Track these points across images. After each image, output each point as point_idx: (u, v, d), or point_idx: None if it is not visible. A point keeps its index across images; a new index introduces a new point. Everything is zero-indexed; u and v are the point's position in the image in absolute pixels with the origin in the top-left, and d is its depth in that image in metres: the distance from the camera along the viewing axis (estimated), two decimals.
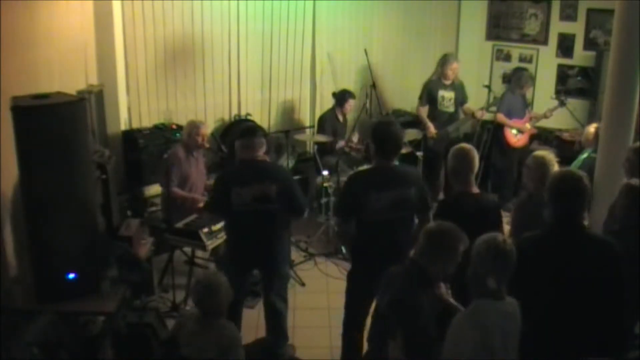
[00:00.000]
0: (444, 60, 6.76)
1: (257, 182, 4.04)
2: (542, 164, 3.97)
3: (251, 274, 4.56)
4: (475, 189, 3.83)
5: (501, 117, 6.83)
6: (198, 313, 3.29)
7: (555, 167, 3.98)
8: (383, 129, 3.82)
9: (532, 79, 7.02)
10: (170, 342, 3.43)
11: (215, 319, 3.24)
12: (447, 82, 6.78)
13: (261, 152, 4.19)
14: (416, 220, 3.97)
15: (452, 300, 3.13)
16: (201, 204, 4.98)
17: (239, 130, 6.53)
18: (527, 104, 7.04)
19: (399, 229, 3.81)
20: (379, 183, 3.74)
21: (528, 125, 6.92)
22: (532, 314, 2.79)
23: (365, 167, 5.04)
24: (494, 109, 7.08)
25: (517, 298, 2.77)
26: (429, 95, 6.82)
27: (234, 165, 4.46)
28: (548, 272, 2.90)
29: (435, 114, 6.83)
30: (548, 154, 4.06)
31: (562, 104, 6.70)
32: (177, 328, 3.43)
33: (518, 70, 7.47)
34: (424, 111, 6.87)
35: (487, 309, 2.69)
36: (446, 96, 6.80)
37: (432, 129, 6.78)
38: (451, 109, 6.86)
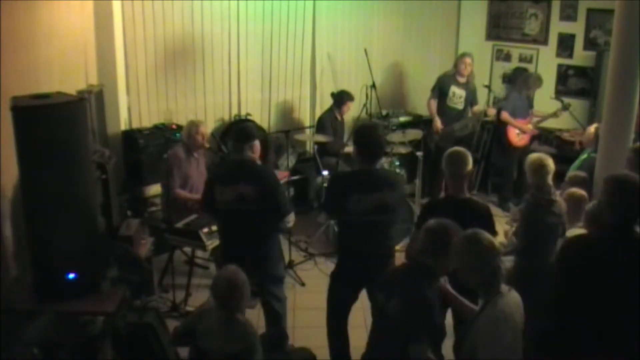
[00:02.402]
0: (458, 57, 6.92)
1: (236, 182, 4.02)
2: (533, 169, 3.99)
3: (250, 275, 4.52)
4: (465, 195, 3.75)
5: (506, 116, 6.82)
6: (219, 310, 3.28)
7: (549, 167, 3.99)
8: (365, 133, 3.84)
9: (541, 80, 6.96)
10: (187, 333, 3.44)
11: (235, 314, 3.25)
12: (461, 80, 6.84)
13: (251, 153, 4.13)
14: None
15: (450, 288, 3.19)
16: None
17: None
18: (531, 105, 7.03)
19: (381, 232, 3.83)
20: (360, 186, 3.75)
21: (530, 126, 6.91)
22: (574, 316, 2.78)
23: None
24: (492, 110, 7.09)
25: (560, 299, 2.77)
26: (440, 88, 6.90)
27: (222, 164, 4.46)
28: (597, 275, 2.86)
29: (443, 108, 6.88)
30: (538, 157, 4.07)
31: (565, 108, 6.69)
32: (197, 319, 3.43)
33: (526, 72, 7.49)
34: (434, 104, 6.93)
35: (510, 304, 2.73)
36: (457, 92, 6.85)
37: (438, 123, 6.81)
38: (460, 107, 6.89)
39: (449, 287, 3.20)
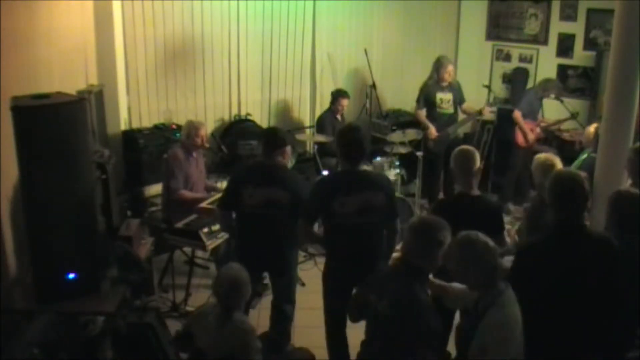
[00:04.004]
0: (439, 64, 6.71)
1: (268, 186, 4.03)
2: (541, 169, 3.99)
3: (260, 276, 4.52)
4: (476, 192, 3.84)
5: (518, 115, 6.78)
6: (218, 307, 3.30)
7: (556, 168, 4.00)
8: (345, 135, 3.86)
9: (560, 89, 6.88)
10: (185, 335, 3.44)
11: (233, 312, 3.27)
12: (444, 84, 6.75)
13: (282, 158, 4.16)
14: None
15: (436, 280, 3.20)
16: (205, 204, 4.98)
17: (239, 130, 6.62)
18: (540, 108, 7.00)
19: (368, 234, 3.81)
20: (344, 187, 3.75)
21: (538, 129, 6.89)
22: (535, 316, 2.79)
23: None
24: (493, 109, 7.07)
25: (521, 300, 2.78)
26: (426, 98, 6.78)
27: (249, 165, 4.44)
28: (551, 274, 2.90)
29: (434, 115, 6.79)
30: (547, 158, 4.07)
31: (573, 117, 6.68)
32: (194, 321, 3.44)
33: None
34: (422, 114, 6.83)
35: (513, 302, 2.74)
36: (444, 98, 6.77)
37: (432, 130, 6.74)
38: (450, 110, 6.84)
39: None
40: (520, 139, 6.87)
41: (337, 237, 3.85)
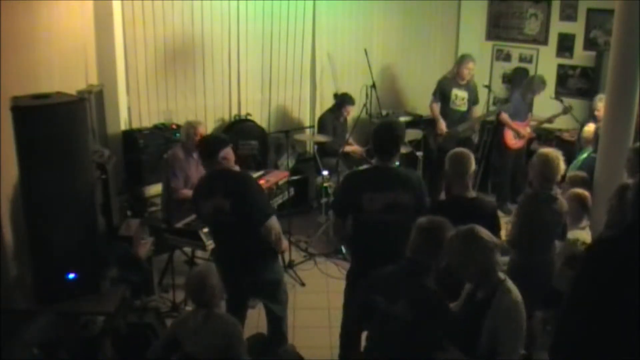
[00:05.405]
0: (461, 60, 6.81)
1: (212, 195, 3.96)
2: (546, 161, 3.96)
3: (238, 280, 4.47)
4: (471, 193, 3.82)
5: (505, 117, 6.82)
6: (195, 308, 3.32)
7: (561, 164, 3.98)
8: (381, 130, 3.86)
9: (544, 83, 6.86)
10: (171, 344, 3.43)
11: (210, 310, 3.27)
12: (462, 82, 6.79)
13: (225, 162, 4.02)
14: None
15: None
16: None
17: (239, 130, 6.61)
18: (530, 108, 7.01)
19: (394, 232, 3.72)
20: (374, 184, 3.75)
21: (528, 129, 6.90)
22: (600, 315, 2.80)
23: (364, 166, 5.05)
24: (493, 108, 7.06)
25: (590, 298, 2.79)
26: (442, 92, 6.85)
27: (201, 178, 4.36)
28: (623, 274, 2.89)
29: (446, 111, 6.84)
30: (553, 151, 4.05)
31: (565, 112, 6.69)
32: (176, 328, 3.43)
33: (527, 72, 7.47)
34: (437, 108, 6.89)
35: (515, 289, 2.85)
36: (459, 95, 6.81)
37: (443, 126, 6.77)
38: (463, 108, 6.86)
39: None
40: (510, 140, 6.89)
41: (363, 233, 3.84)
